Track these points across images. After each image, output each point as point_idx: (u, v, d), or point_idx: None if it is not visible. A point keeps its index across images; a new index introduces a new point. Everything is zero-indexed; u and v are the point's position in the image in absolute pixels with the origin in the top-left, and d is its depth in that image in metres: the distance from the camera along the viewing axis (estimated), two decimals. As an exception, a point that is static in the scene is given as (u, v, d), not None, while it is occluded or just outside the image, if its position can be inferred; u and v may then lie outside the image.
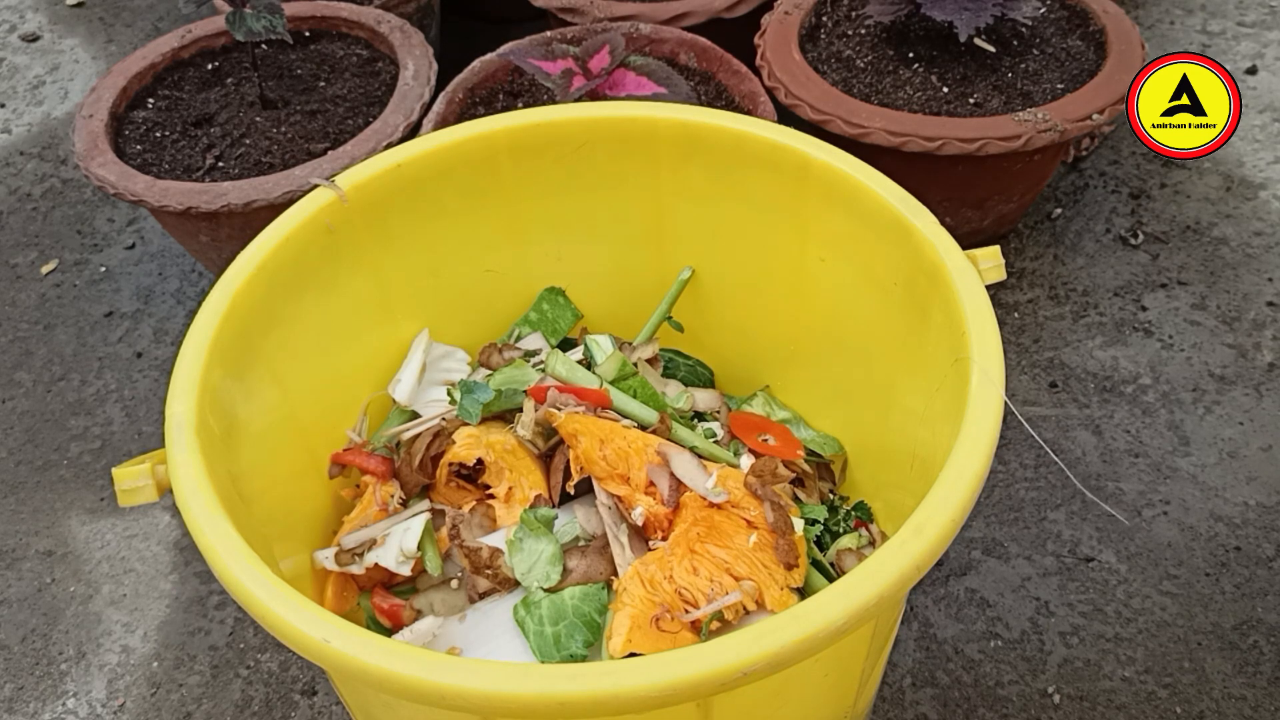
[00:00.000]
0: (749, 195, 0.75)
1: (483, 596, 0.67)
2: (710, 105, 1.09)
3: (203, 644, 0.94)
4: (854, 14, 1.23)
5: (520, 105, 1.14)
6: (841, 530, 0.74)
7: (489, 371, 0.76)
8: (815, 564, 0.68)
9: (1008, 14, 1.09)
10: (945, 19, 1.08)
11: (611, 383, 0.72)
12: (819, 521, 0.74)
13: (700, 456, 0.67)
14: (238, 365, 0.64)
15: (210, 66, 1.24)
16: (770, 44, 1.16)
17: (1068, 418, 1.06)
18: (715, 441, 0.73)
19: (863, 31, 1.20)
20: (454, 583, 0.69)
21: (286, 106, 1.17)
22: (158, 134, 1.15)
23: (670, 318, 0.83)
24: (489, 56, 1.15)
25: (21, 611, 0.98)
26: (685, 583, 0.60)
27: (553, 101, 1.00)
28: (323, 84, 1.20)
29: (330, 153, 1.06)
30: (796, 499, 0.76)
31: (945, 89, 1.11)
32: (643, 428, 0.70)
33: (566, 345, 0.83)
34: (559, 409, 0.69)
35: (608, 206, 0.80)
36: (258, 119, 1.15)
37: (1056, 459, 1.02)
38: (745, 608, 0.59)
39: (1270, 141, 1.35)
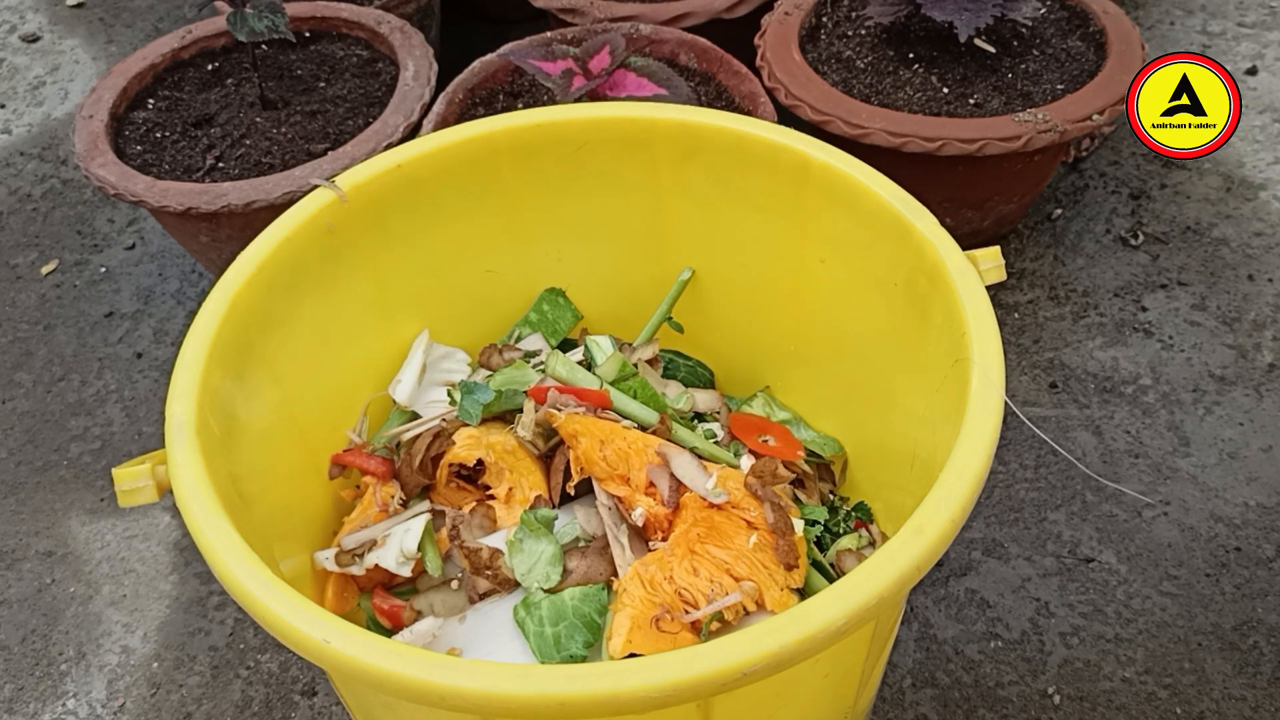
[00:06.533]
0: (749, 196, 0.75)
1: (483, 597, 0.67)
2: (710, 106, 1.09)
3: (203, 644, 0.94)
4: (854, 14, 1.23)
5: (520, 106, 1.14)
6: (841, 531, 0.74)
7: (489, 372, 0.76)
8: (815, 565, 0.68)
9: (1008, 14, 1.09)
10: (945, 19, 1.08)
11: (612, 383, 0.72)
12: (819, 522, 0.74)
13: (700, 457, 0.67)
14: (238, 366, 0.64)
15: (210, 67, 1.24)
16: (770, 45, 1.16)
17: (1068, 418, 1.06)
18: (715, 442, 0.73)
19: (863, 32, 1.20)
20: (454, 583, 0.69)
21: (287, 107, 1.17)
22: (158, 134, 1.15)
23: (670, 318, 0.83)
24: (489, 57, 1.15)
25: (21, 612, 0.98)
26: (685, 583, 0.60)
27: (553, 102, 1.00)
28: (323, 84, 1.20)
29: (330, 153, 1.06)
30: (797, 500, 0.76)
31: (945, 89, 1.11)
32: (643, 428, 0.70)
33: (567, 346, 0.83)
34: (559, 410, 0.69)
35: (608, 207, 0.80)
36: (258, 119, 1.15)
37: (1064, 452, 1.01)
38: (745, 608, 0.59)
39: (1270, 142, 1.35)
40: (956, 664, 0.88)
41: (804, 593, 0.63)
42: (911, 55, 1.15)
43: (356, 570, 0.69)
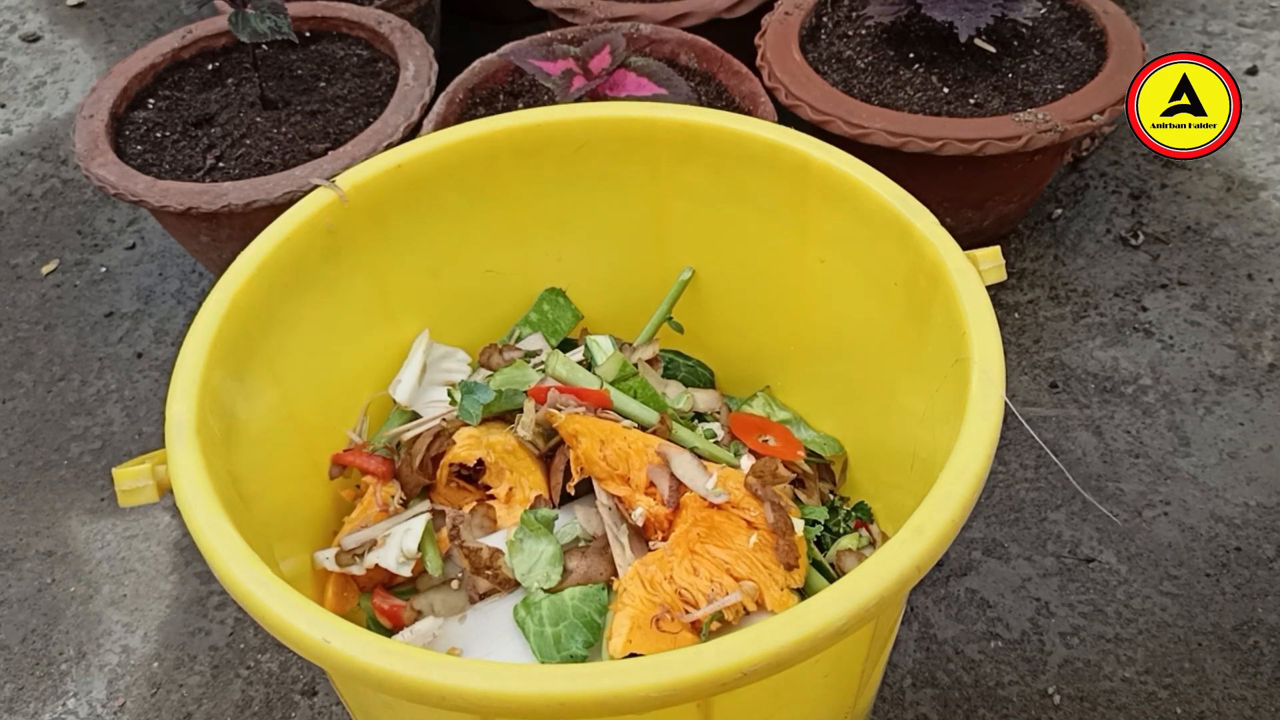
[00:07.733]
0: (749, 195, 0.75)
1: (483, 597, 0.67)
2: (710, 106, 1.09)
3: (203, 644, 0.94)
4: (854, 14, 1.23)
5: (520, 106, 1.14)
6: (842, 531, 0.74)
7: (489, 372, 0.76)
8: (815, 564, 0.68)
9: (1008, 14, 1.09)
10: (946, 19, 1.08)
11: (612, 383, 0.72)
12: (819, 522, 0.74)
13: (700, 457, 0.67)
14: (238, 366, 0.64)
15: (211, 67, 1.24)
16: (770, 44, 1.16)
17: (1068, 418, 1.06)
18: (715, 442, 0.73)
19: (863, 32, 1.20)
20: (454, 583, 0.69)
21: (287, 107, 1.17)
22: (158, 134, 1.15)
23: (670, 318, 0.83)
24: (489, 57, 1.15)
25: (22, 612, 0.98)
26: (685, 583, 0.60)
27: (553, 102, 1.00)
28: (323, 84, 1.20)
29: (331, 153, 1.06)
30: (797, 500, 0.76)
31: (945, 89, 1.11)
32: (643, 428, 0.70)
33: (567, 346, 0.83)
34: (559, 409, 0.69)
35: (608, 207, 0.80)
36: (258, 119, 1.15)
37: (1055, 459, 1.01)
38: (745, 608, 0.59)
39: (1270, 142, 1.35)
40: (957, 664, 0.88)
41: (804, 593, 0.63)
42: (912, 55, 1.15)
43: (356, 570, 0.69)
